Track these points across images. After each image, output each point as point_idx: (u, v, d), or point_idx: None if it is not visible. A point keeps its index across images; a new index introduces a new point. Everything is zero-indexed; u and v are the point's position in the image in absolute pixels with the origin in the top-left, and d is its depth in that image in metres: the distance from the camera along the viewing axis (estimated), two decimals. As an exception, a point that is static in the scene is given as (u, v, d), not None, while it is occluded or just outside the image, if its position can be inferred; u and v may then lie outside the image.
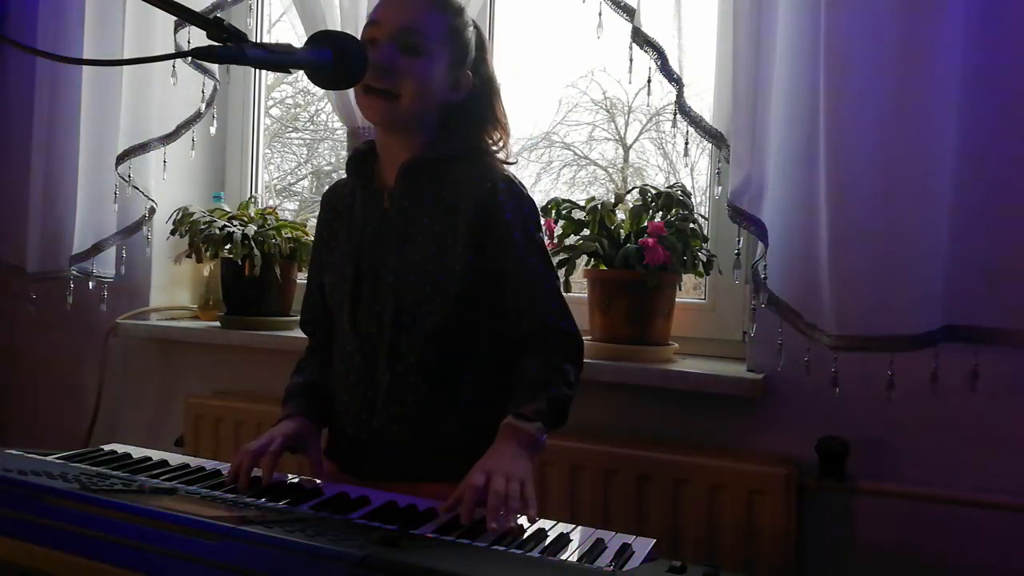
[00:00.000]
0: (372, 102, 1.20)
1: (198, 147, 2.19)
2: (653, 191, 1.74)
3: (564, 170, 2.35)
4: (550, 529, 1.00)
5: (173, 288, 2.37)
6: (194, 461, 1.24)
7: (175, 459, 1.24)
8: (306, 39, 1.10)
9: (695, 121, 1.56)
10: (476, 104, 1.30)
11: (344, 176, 1.38)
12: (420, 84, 1.20)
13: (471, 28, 1.28)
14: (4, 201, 2.34)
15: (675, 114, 1.56)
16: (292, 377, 1.38)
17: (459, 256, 1.22)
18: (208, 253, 2.05)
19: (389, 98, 1.19)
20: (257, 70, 2.18)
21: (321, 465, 1.25)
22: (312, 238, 2.12)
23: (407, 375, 1.22)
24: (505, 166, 1.30)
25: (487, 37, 1.33)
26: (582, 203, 1.79)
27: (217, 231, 2.03)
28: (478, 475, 1.05)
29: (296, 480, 1.19)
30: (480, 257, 1.22)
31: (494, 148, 1.31)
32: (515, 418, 1.15)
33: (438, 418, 1.23)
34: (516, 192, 1.25)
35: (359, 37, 1.20)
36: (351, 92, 1.88)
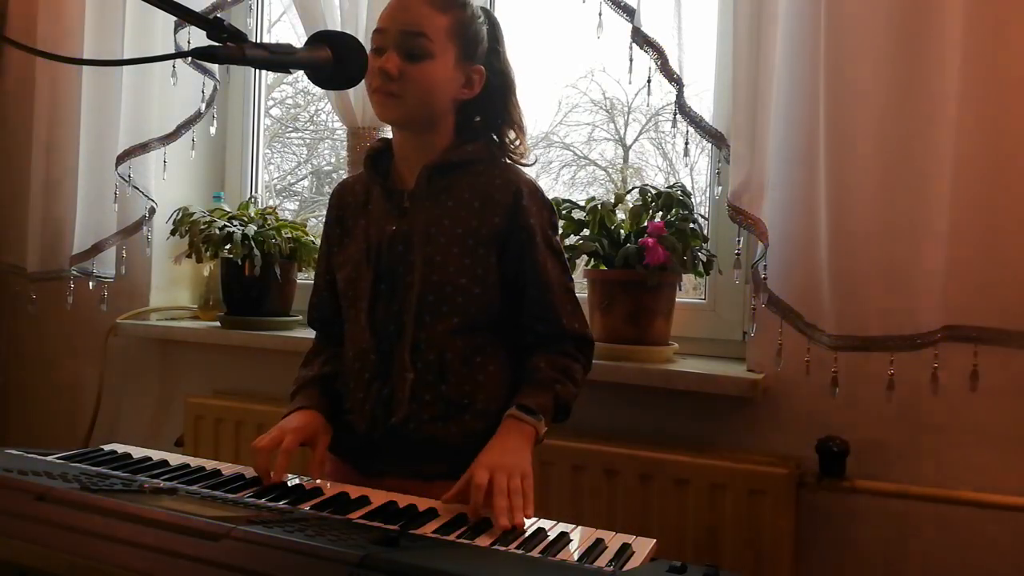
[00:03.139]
0: (382, 99, 1.22)
1: (198, 147, 2.19)
2: (653, 191, 1.74)
3: (564, 170, 2.35)
4: (550, 529, 1.00)
5: (173, 288, 2.37)
6: (194, 461, 1.23)
7: (175, 459, 1.24)
8: (306, 39, 1.10)
9: (695, 121, 1.56)
10: (492, 100, 1.30)
11: (351, 174, 1.39)
12: (426, 87, 1.21)
13: (480, 20, 1.27)
14: (4, 201, 2.34)
15: (675, 114, 1.57)
16: (300, 370, 1.38)
17: (481, 259, 1.23)
18: (208, 253, 2.05)
19: (396, 99, 1.21)
20: (257, 70, 2.18)
21: (324, 462, 1.25)
22: (312, 238, 2.15)
23: (426, 373, 1.23)
24: (526, 170, 1.32)
25: (500, 27, 1.32)
26: (582, 203, 1.79)
27: (217, 231, 2.03)
28: (481, 472, 1.06)
29: (296, 480, 1.19)
30: (501, 260, 1.25)
31: (511, 148, 1.32)
32: (518, 410, 1.18)
33: (456, 416, 1.24)
34: (539, 198, 1.28)
35: (366, 45, 1.20)
36: (351, 92, 1.89)
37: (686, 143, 1.61)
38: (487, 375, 1.26)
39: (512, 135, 1.32)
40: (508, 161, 1.31)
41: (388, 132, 1.45)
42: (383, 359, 1.25)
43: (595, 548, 0.94)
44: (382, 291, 1.26)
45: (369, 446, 1.27)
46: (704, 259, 1.71)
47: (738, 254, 1.57)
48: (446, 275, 1.22)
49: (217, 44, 0.93)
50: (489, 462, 1.09)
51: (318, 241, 2.14)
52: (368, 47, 1.22)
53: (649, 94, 1.58)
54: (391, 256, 1.25)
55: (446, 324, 1.23)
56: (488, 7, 2.04)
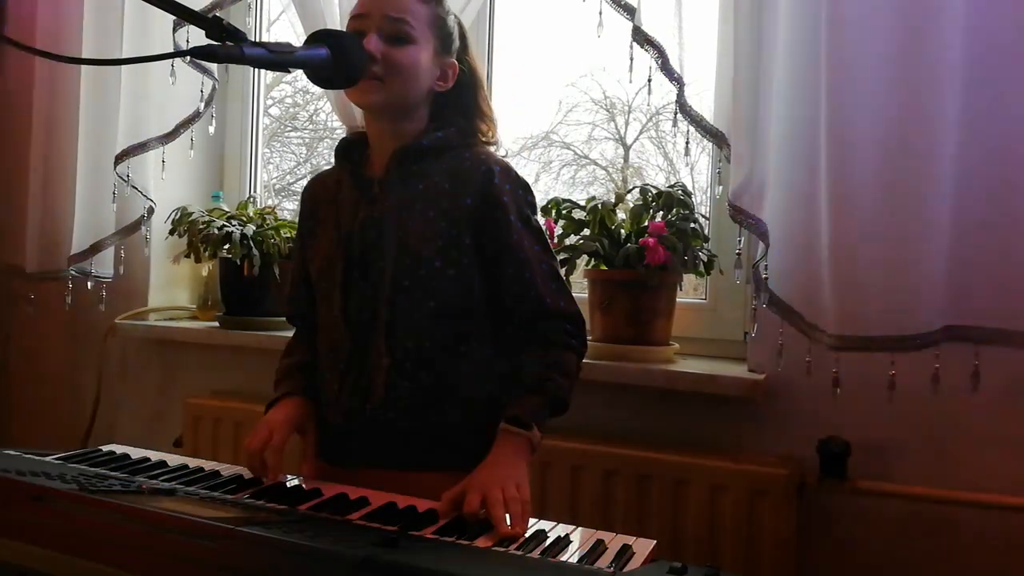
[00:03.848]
0: (363, 84, 1.20)
1: (197, 146, 2.18)
2: (653, 191, 1.74)
3: (564, 170, 2.35)
4: (550, 530, 1.00)
5: (172, 288, 2.37)
6: (193, 462, 1.23)
7: (174, 460, 1.24)
8: (305, 38, 1.10)
9: (696, 120, 1.56)
10: (463, 94, 1.31)
11: (325, 169, 1.40)
12: (409, 72, 1.21)
13: (452, 17, 1.29)
14: (3, 201, 2.34)
15: (676, 113, 1.56)
16: (282, 360, 1.38)
17: (456, 240, 1.22)
18: (207, 253, 2.05)
19: (378, 83, 1.20)
20: (256, 69, 2.18)
21: (316, 446, 1.25)
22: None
23: (405, 361, 1.22)
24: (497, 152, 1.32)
25: (466, 29, 1.34)
26: (582, 203, 1.79)
27: (216, 231, 2.02)
28: (473, 496, 1.04)
29: (296, 480, 1.18)
30: (477, 241, 1.23)
31: (483, 138, 1.32)
32: (509, 422, 1.16)
33: (436, 405, 1.23)
34: (512, 176, 1.26)
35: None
36: (350, 91, 1.89)
37: (687, 143, 1.61)
38: (469, 363, 1.25)
39: (483, 127, 1.32)
40: (481, 146, 1.31)
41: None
42: (358, 348, 1.24)
43: (595, 549, 0.94)
44: (355, 279, 1.25)
45: (346, 438, 1.26)
46: (705, 259, 1.71)
47: (739, 254, 1.57)
48: (420, 258, 1.21)
49: (216, 43, 0.93)
50: (480, 481, 1.07)
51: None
52: None
53: (649, 93, 1.58)
54: (363, 243, 1.24)
55: (423, 309, 1.21)
56: (487, 8, 2.05)
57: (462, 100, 1.31)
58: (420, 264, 1.21)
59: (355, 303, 1.24)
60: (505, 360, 1.26)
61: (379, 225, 1.24)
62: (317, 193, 1.36)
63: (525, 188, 1.28)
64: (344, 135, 1.94)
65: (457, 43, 1.29)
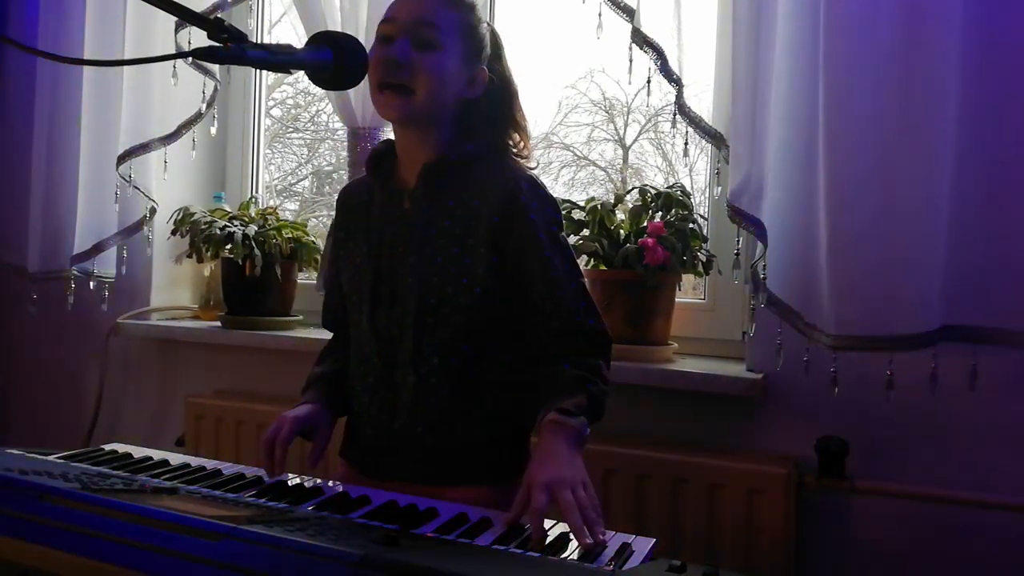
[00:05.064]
0: (388, 98, 1.21)
1: (199, 147, 2.19)
2: (652, 191, 1.74)
3: (564, 171, 2.35)
4: (550, 529, 1.01)
5: (174, 288, 2.37)
6: (195, 461, 1.24)
7: (176, 459, 1.24)
8: (306, 40, 1.10)
9: (694, 121, 1.56)
10: (494, 104, 1.30)
11: (351, 175, 1.39)
12: (435, 78, 1.21)
13: (485, 25, 1.29)
14: (5, 201, 2.35)
15: (675, 114, 1.57)
16: (313, 368, 1.40)
17: (482, 258, 1.21)
18: (209, 253, 2.06)
19: (404, 93, 1.20)
20: (258, 71, 2.18)
21: (322, 453, 1.26)
22: (312, 238, 2.16)
23: (430, 377, 1.22)
24: (526, 167, 1.31)
25: (501, 39, 1.34)
26: (582, 203, 1.79)
27: (218, 231, 2.03)
28: (539, 494, 1.01)
29: (296, 480, 1.19)
30: (503, 258, 1.22)
31: (514, 150, 1.32)
32: (558, 413, 1.13)
33: (461, 420, 1.23)
34: (540, 193, 1.25)
35: (366, 45, 1.21)
36: (351, 92, 1.90)
37: (685, 143, 1.61)
38: (493, 377, 1.25)
39: (516, 137, 1.32)
40: (510, 159, 1.31)
41: (388, 133, 1.45)
42: (386, 363, 1.25)
43: (595, 547, 0.94)
44: (383, 294, 1.25)
45: (377, 451, 1.27)
46: (703, 259, 1.71)
47: (737, 254, 1.58)
48: (447, 277, 1.22)
49: (218, 44, 0.94)
50: (545, 478, 1.03)
51: (318, 242, 2.17)
52: (370, 42, 1.23)
53: (649, 94, 1.59)
54: (391, 258, 1.25)
55: (449, 326, 1.22)
56: (487, 9, 2.06)
57: (494, 109, 1.30)
58: (447, 282, 1.21)
59: (383, 318, 1.25)
60: (529, 373, 1.25)
61: (407, 241, 1.24)
62: (349, 203, 1.36)
63: (554, 205, 1.28)
64: (344, 135, 1.95)
65: (488, 51, 1.28)
